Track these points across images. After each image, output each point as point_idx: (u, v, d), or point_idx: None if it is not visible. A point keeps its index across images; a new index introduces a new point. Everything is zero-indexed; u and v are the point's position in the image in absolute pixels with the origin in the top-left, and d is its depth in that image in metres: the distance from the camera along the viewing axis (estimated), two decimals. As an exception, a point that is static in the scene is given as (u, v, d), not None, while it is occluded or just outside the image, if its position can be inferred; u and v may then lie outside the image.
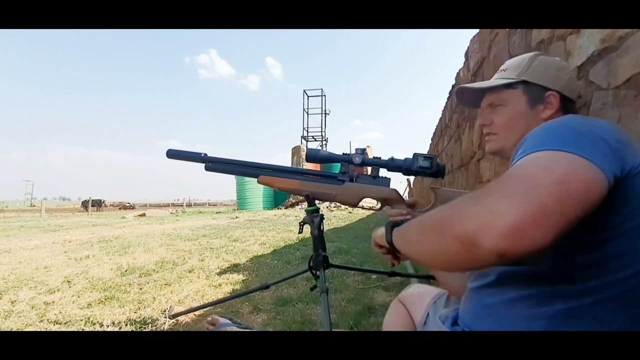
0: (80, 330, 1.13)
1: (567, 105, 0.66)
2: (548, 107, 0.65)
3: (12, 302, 1.83)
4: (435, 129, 5.53)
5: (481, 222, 0.37)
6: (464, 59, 3.09)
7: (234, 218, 8.89)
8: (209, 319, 1.33)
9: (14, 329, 1.43)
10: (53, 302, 1.83)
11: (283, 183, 1.04)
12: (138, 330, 1.42)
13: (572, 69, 0.67)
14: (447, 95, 4.25)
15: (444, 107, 4.51)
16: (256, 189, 14.94)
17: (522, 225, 0.35)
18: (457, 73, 3.43)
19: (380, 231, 0.69)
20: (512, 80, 0.68)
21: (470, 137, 2.79)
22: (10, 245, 4.06)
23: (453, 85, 3.81)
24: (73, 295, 1.93)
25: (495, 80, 0.71)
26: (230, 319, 1.32)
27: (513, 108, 0.68)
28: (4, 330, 1.26)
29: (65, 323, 1.50)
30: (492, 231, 0.36)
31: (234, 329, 1.24)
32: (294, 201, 13.62)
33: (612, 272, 0.45)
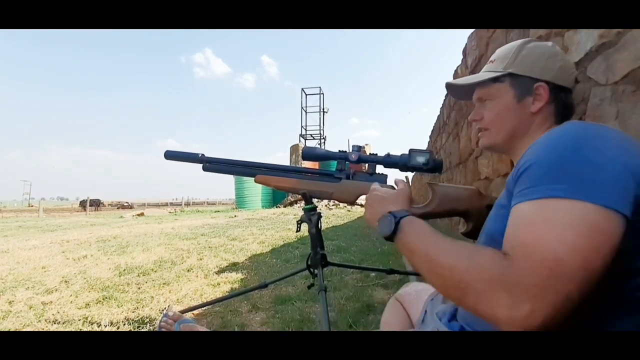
0: (78, 330, 1.13)
1: (560, 95, 0.63)
2: (537, 99, 0.62)
3: (9, 303, 1.82)
4: (434, 126, 5.53)
5: (505, 316, 0.40)
6: (461, 56, 3.09)
7: (232, 217, 8.88)
8: (171, 313, 1.22)
9: (12, 329, 1.42)
10: (51, 302, 1.82)
11: (280, 182, 1.04)
12: (136, 329, 1.41)
13: (566, 56, 0.65)
14: (445, 92, 4.25)
15: (442, 104, 4.51)
16: (255, 188, 14.93)
17: (545, 321, 0.39)
18: (455, 70, 3.43)
19: (375, 211, 0.67)
20: (498, 74, 0.65)
21: (468, 134, 2.79)
22: (8, 246, 4.04)
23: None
24: (71, 295, 1.92)
25: (482, 74, 0.68)
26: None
27: (500, 103, 0.65)
28: (1, 330, 1.25)
29: (63, 323, 1.49)
30: (516, 324, 0.40)
31: (198, 328, 1.17)
32: (292, 200, 13.62)
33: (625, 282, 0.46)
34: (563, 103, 0.63)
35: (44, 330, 1.12)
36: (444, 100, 4.35)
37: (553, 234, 0.41)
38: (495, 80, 0.66)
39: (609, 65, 0.77)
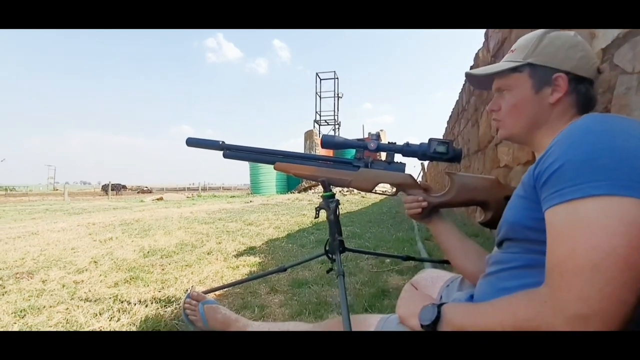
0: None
1: (580, 85, 0.61)
2: (556, 89, 0.61)
3: (43, 282, 1.94)
4: (452, 112, 5.42)
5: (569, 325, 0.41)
6: (483, 39, 2.99)
7: (248, 202, 9.04)
8: (194, 294, 1.27)
9: (46, 307, 1.52)
10: (82, 281, 1.94)
11: (299, 169, 1.06)
12: (163, 308, 1.49)
13: (589, 46, 0.63)
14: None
15: (462, 89, 4.40)
16: (269, 174, 15.09)
17: (609, 327, 0.39)
18: (476, 54, 3.33)
19: (410, 307, 0.67)
20: (517, 64, 0.64)
21: (488, 120, 2.73)
22: (38, 228, 4.26)
23: (471, 67, 3.70)
24: (100, 275, 2.03)
25: (501, 64, 0.68)
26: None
27: (518, 93, 0.65)
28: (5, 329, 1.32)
29: (95, 301, 1.59)
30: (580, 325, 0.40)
31: (221, 309, 1.22)
32: (306, 185, 13.71)
33: None
34: (583, 94, 0.62)
35: (47, 330, 1.16)
36: (464, 85, 4.24)
37: (587, 240, 0.41)
38: (514, 70, 0.65)
39: (635, 53, 0.74)
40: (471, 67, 3.68)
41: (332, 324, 0.90)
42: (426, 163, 9.90)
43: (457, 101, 4.78)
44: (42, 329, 1.29)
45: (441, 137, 0.90)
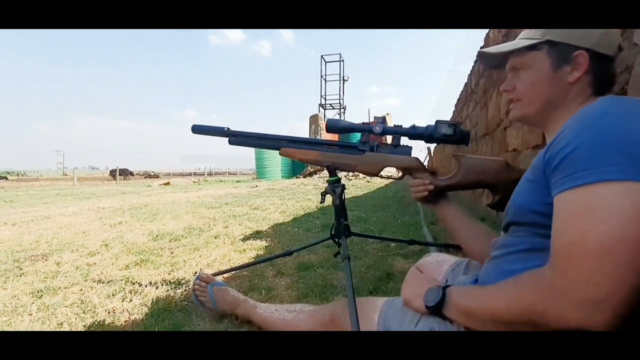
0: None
1: (600, 63, 0.59)
2: (576, 68, 0.59)
3: (57, 264, 1.99)
4: (460, 94, 5.31)
5: (577, 322, 0.41)
6: (493, 19, 2.89)
7: (253, 187, 9.09)
8: (204, 276, 1.32)
9: (62, 287, 1.57)
10: (94, 263, 1.98)
11: (304, 154, 1.06)
12: (173, 289, 1.53)
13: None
14: (474, 59, 4.03)
15: (471, 71, 4.30)
16: (275, 159, 15.10)
17: (618, 312, 0.39)
18: (487, 34, 3.24)
19: (415, 289, 0.69)
20: (535, 41, 0.61)
21: (497, 103, 2.68)
22: (50, 212, 4.35)
23: (481, 47, 3.60)
24: (112, 258, 2.08)
25: (517, 42, 0.65)
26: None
27: (535, 72, 0.62)
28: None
29: (107, 282, 1.63)
30: (590, 326, 0.40)
31: (229, 291, 1.25)
32: (311, 170, 13.72)
33: None
34: (603, 72, 0.60)
35: (47, 330, 1.19)
36: (473, 66, 4.13)
37: (599, 225, 0.41)
38: (531, 48, 0.62)
39: (657, 30, 0.71)
40: (481, 48, 3.58)
41: (337, 306, 0.92)
42: (432, 146, 9.80)
43: (466, 84, 4.68)
44: (58, 309, 1.33)
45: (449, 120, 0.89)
